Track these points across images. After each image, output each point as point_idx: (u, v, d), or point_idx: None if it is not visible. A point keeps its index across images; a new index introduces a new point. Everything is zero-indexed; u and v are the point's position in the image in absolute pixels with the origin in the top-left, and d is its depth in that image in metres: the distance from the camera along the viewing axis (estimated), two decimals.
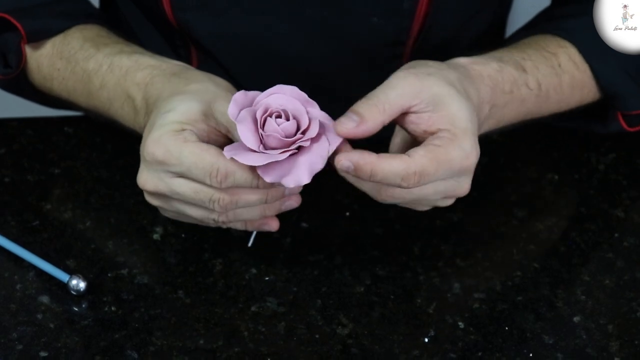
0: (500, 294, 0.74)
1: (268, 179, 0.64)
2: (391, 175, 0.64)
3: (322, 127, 0.66)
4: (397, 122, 0.68)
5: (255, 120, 0.65)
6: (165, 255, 0.76)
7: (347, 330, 0.71)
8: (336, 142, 0.65)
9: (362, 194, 0.80)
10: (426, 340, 0.71)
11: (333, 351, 0.69)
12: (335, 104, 0.85)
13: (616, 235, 0.80)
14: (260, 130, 0.65)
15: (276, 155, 0.64)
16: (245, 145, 0.65)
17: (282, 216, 0.79)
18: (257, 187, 0.66)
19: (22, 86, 0.84)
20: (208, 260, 0.75)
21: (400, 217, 0.80)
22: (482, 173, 0.84)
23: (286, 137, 0.65)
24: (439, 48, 0.84)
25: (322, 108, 0.68)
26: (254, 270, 0.75)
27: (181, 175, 0.67)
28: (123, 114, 0.75)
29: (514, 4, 0.94)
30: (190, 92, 0.68)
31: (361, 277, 0.75)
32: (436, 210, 0.80)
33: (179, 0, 0.80)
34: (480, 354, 0.70)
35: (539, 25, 0.84)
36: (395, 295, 0.74)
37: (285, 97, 0.66)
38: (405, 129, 0.68)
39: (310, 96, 0.68)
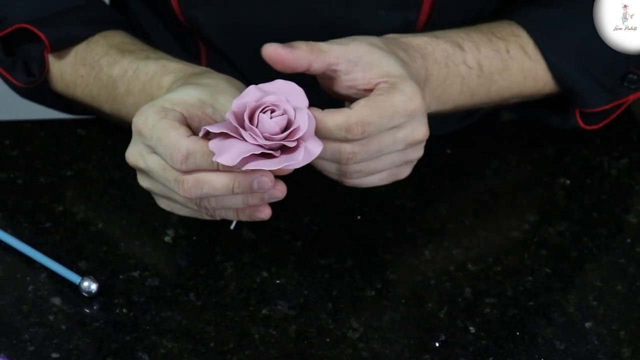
0: (512, 299, 0.74)
1: (210, 145, 0.64)
2: (334, 128, 0.66)
3: (287, 153, 0.64)
4: (334, 92, 0.69)
5: (257, 101, 0.65)
6: (176, 258, 0.76)
7: (357, 333, 0.71)
8: (269, 167, 0.64)
9: (373, 197, 0.80)
10: (437, 344, 0.70)
11: (344, 355, 0.69)
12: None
13: (628, 240, 0.80)
14: (251, 106, 0.64)
15: (226, 128, 0.64)
16: (225, 126, 0.64)
17: (293, 219, 0.79)
18: (218, 169, 0.65)
19: (44, 94, 0.84)
20: (219, 263, 0.76)
21: (411, 220, 0.80)
22: (494, 177, 0.85)
23: (260, 130, 0.64)
24: None
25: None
26: (265, 274, 0.75)
27: (154, 151, 0.67)
28: None
29: None
30: (199, 83, 0.69)
31: (372, 281, 0.75)
32: (447, 214, 0.80)
33: None
34: (491, 359, 0.69)
35: (508, 10, 0.83)
36: (406, 299, 0.74)
37: (304, 114, 0.65)
38: (346, 98, 0.69)
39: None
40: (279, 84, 0.66)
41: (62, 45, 0.80)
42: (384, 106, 0.66)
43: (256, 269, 0.75)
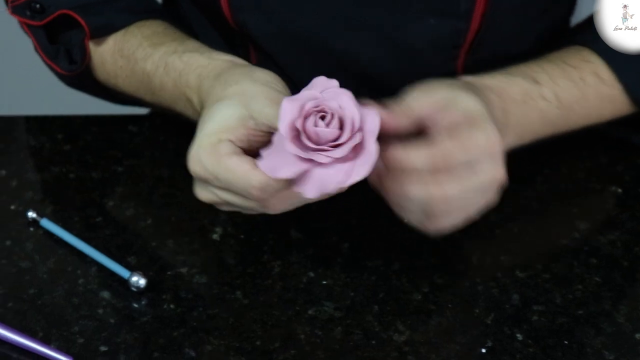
0: (560, 307, 0.73)
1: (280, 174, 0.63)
2: (419, 164, 0.65)
3: (361, 148, 0.63)
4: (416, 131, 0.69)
5: (301, 110, 0.63)
6: (224, 256, 0.76)
7: (403, 337, 0.71)
8: (361, 174, 0.63)
9: None
10: (483, 350, 0.70)
11: (389, 358, 0.69)
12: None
13: None
14: (298, 121, 0.63)
15: (292, 161, 0.63)
16: (290, 159, 0.63)
17: (340, 220, 0.79)
18: None
19: (87, 82, 0.85)
20: (267, 262, 0.76)
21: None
22: (544, 184, 0.84)
23: (314, 143, 0.63)
24: (495, 52, 0.84)
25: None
26: (311, 274, 0.75)
27: (225, 188, 0.67)
28: (187, 112, 0.76)
29: (578, 6, 0.92)
30: (228, 97, 0.68)
31: (419, 285, 0.74)
32: (495, 220, 0.80)
33: (237, 0, 0.80)
34: None
35: (575, 35, 0.82)
36: (453, 304, 0.73)
37: (347, 99, 0.63)
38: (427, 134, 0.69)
39: (364, 97, 0.67)
40: (313, 83, 0.65)
41: (101, 33, 0.81)
42: (467, 143, 0.66)
43: (303, 269, 0.75)
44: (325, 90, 0.64)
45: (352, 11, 0.80)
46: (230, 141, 0.66)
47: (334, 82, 0.65)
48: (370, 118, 0.64)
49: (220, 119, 0.67)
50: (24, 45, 0.92)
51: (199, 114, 0.74)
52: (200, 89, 0.73)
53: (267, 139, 0.67)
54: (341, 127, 0.63)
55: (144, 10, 0.83)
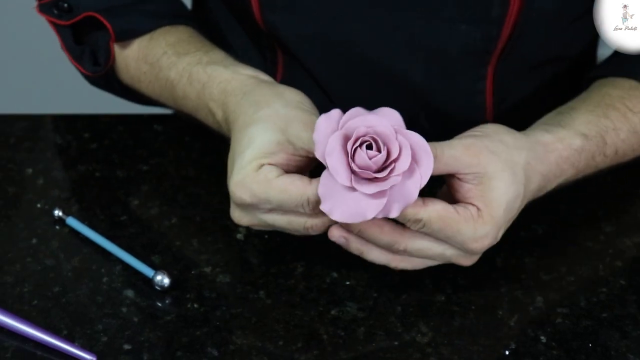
0: (585, 310, 0.73)
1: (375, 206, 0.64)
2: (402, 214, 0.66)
3: (414, 156, 0.64)
4: (443, 176, 0.69)
5: (345, 151, 0.64)
6: (247, 255, 0.77)
7: (426, 338, 0.71)
8: (429, 168, 0.63)
9: None
10: (507, 352, 0.70)
11: (411, 359, 0.69)
12: (419, 111, 0.85)
13: None
14: (352, 165, 0.63)
15: (368, 204, 0.63)
16: (336, 183, 0.64)
17: None
18: None
19: (111, 84, 0.86)
20: (290, 262, 0.76)
21: None
22: (570, 186, 0.83)
23: (377, 170, 0.63)
24: (526, 58, 0.83)
25: (404, 116, 0.66)
26: (334, 274, 0.75)
27: (272, 210, 0.68)
28: (208, 122, 0.77)
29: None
30: (261, 120, 0.68)
31: (442, 286, 0.74)
32: (520, 222, 0.79)
33: (268, 1, 0.81)
34: None
35: (627, 64, 0.80)
36: (476, 306, 0.73)
37: (369, 117, 0.64)
38: (447, 185, 0.69)
39: (394, 104, 0.67)
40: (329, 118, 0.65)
41: (126, 36, 0.82)
42: (450, 228, 0.66)
43: (326, 269, 0.75)
44: (342, 122, 0.64)
45: (383, 16, 0.79)
46: (272, 165, 0.67)
47: (337, 112, 0.65)
48: (390, 115, 0.64)
49: (260, 145, 0.67)
50: (51, 43, 0.93)
51: (220, 126, 0.74)
52: (225, 105, 0.73)
53: (304, 163, 0.68)
54: (383, 142, 0.63)
55: (171, 14, 0.83)
